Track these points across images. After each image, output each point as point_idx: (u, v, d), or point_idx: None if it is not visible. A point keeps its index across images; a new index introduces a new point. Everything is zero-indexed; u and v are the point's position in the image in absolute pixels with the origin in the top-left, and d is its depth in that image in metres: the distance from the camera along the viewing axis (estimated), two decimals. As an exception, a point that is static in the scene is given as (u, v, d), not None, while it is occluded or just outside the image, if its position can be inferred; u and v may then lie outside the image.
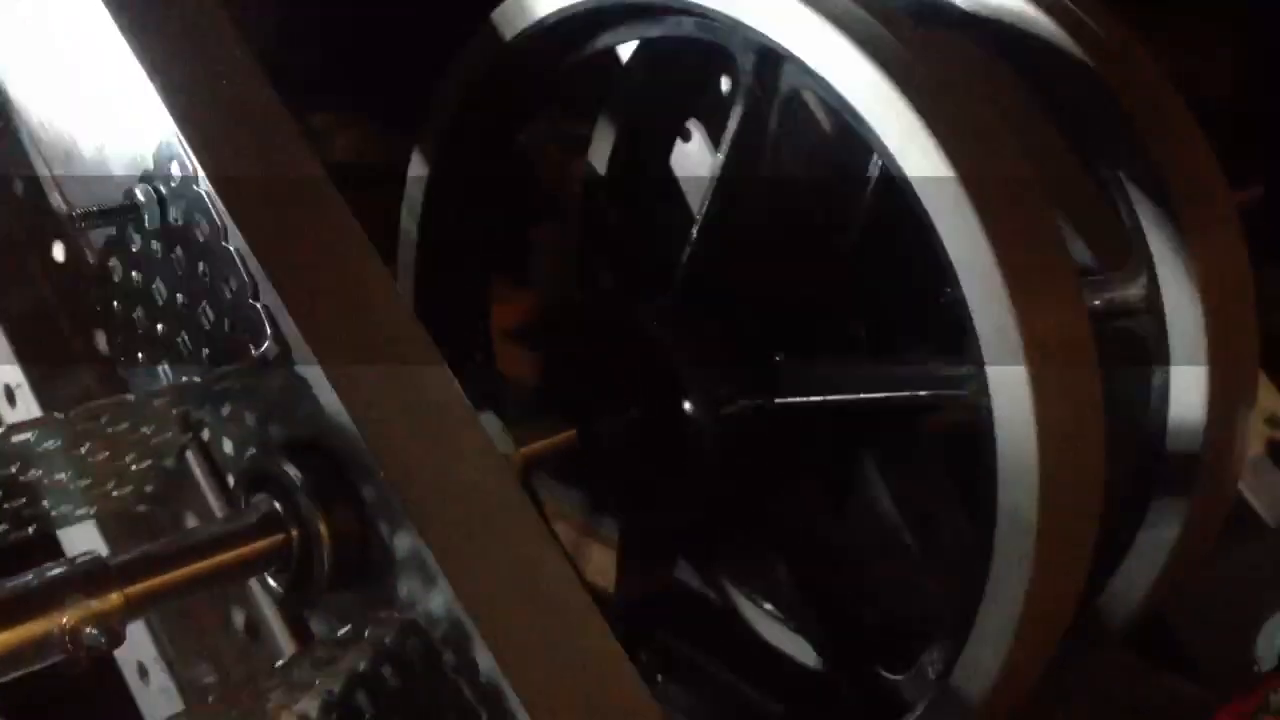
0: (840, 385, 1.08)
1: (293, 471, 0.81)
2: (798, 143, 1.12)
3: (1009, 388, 0.93)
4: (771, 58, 1.03)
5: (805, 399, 1.10)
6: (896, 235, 1.05)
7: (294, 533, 0.81)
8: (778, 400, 1.11)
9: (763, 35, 1.01)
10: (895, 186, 0.97)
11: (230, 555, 0.81)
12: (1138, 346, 1.10)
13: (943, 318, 0.99)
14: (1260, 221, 1.20)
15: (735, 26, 1.03)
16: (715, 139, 1.45)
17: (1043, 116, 1.13)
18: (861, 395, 1.07)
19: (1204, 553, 1.14)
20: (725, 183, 1.11)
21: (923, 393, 1.03)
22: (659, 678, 1.29)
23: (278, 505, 0.82)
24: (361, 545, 0.81)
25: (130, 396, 0.81)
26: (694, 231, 1.13)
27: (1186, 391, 1.08)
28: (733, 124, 1.09)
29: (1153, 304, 1.09)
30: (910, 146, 0.94)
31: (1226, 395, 1.09)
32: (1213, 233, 1.09)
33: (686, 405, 1.12)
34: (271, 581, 0.84)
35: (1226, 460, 1.11)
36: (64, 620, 0.74)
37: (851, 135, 0.99)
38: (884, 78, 0.95)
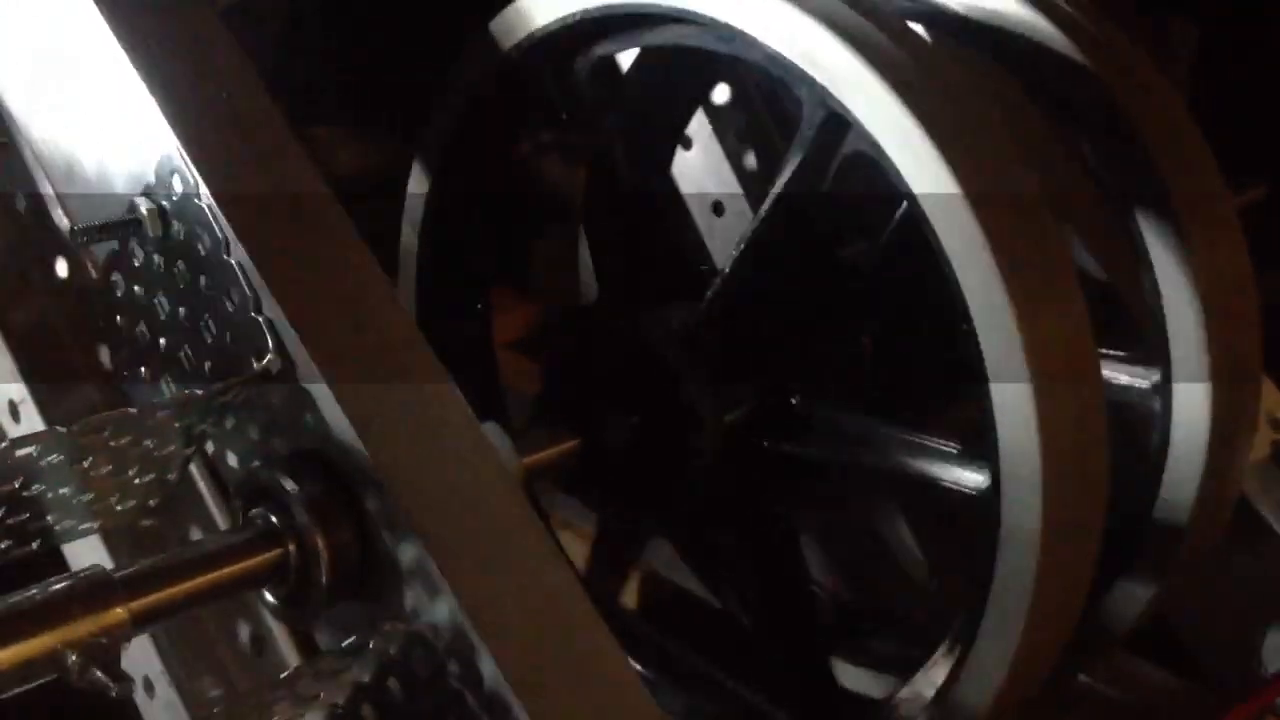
0: (843, 440, 1.08)
1: (289, 485, 0.81)
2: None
3: (1014, 401, 0.93)
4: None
5: (808, 449, 1.10)
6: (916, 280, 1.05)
7: (291, 546, 0.81)
8: (783, 445, 1.12)
9: (766, 46, 1.01)
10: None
11: (228, 569, 0.80)
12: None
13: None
14: (1263, 223, 1.20)
15: (738, 35, 1.03)
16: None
17: (1043, 121, 1.13)
18: (862, 459, 1.07)
19: (1208, 556, 1.14)
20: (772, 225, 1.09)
21: (926, 472, 1.02)
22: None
23: (275, 519, 0.81)
24: (361, 558, 0.81)
25: (133, 410, 0.81)
26: (733, 259, 1.11)
27: (1189, 394, 1.08)
28: (787, 172, 1.06)
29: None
30: (919, 164, 0.94)
31: (1229, 398, 1.09)
32: (1213, 234, 1.09)
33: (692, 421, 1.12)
34: (270, 596, 0.83)
35: (1230, 463, 1.11)
36: (69, 635, 0.74)
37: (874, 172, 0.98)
38: (894, 96, 0.95)
